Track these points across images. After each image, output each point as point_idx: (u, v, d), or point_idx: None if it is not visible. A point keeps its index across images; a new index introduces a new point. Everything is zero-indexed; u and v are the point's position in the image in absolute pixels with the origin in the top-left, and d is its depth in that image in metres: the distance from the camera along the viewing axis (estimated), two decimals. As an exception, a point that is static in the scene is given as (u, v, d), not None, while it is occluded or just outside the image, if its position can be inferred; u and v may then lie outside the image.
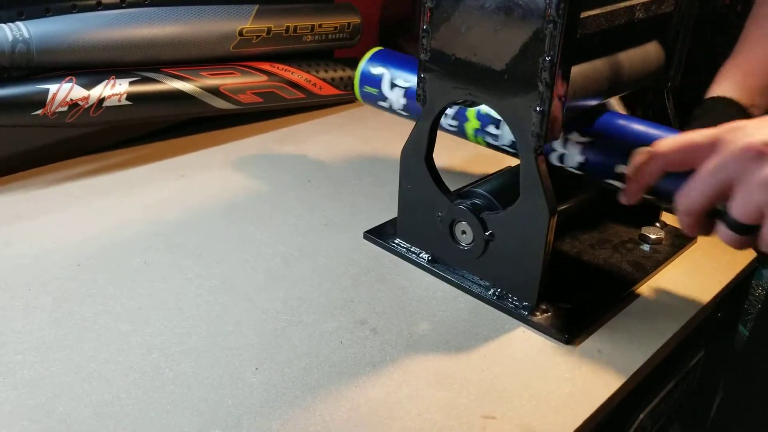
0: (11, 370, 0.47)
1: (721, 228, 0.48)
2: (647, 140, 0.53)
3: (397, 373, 0.49)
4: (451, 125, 0.66)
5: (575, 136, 0.56)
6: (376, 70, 0.71)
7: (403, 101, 0.69)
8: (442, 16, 0.52)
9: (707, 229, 0.49)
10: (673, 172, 0.50)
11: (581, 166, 0.57)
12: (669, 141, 0.50)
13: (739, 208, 0.45)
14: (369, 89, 0.71)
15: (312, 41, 0.94)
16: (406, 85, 0.69)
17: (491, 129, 0.62)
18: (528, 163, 0.51)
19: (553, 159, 0.58)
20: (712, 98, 0.62)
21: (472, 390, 0.48)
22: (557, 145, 0.57)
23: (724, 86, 0.63)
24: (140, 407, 0.45)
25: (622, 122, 0.56)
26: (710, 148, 0.47)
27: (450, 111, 0.65)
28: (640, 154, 0.51)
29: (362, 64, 0.72)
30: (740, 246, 0.48)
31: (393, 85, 0.69)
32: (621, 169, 0.54)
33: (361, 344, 0.51)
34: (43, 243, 0.63)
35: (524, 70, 0.48)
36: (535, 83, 0.48)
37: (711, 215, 0.48)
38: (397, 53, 0.72)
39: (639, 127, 0.55)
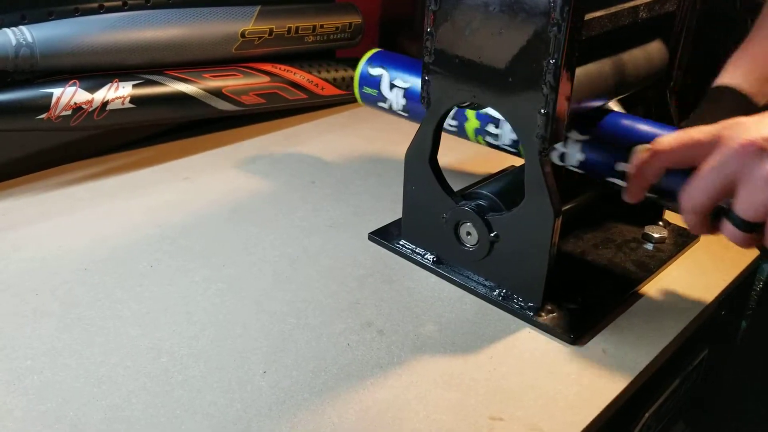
0: (21, 375, 0.48)
1: (727, 226, 0.48)
2: (647, 138, 0.53)
3: (405, 374, 0.49)
4: (451, 125, 0.66)
5: (574, 134, 0.57)
6: (375, 71, 0.71)
7: (402, 101, 0.69)
8: (446, 18, 0.52)
9: (712, 228, 0.49)
10: (674, 169, 0.50)
11: (581, 165, 0.57)
12: (669, 138, 0.50)
13: (743, 205, 0.45)
14: (368, 90, 0.72)
15: (314, 42, 0.94)
16: (405, 85, 0.69)
17: (491, 128, 0.63)
18: (533, 165, 0.51)
19: (554, 157, 0.59)
20: (718, 87, 0.62)
21: (479, 391, 0.48)
22: (558, 144, 0.58)
23: (731, 74, 0.62)
24: (150, 412, 0.45)
25: (621, 120, 0.56)
26: (711, 145, 0.47)
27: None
28: (640, 152, 0.51)
29: (361, 65, 0.73)
30: (746, 244, 0.48)
31: (392, 86, 0.70)
32: (622, 167, 0.54)
33: (368, 346, 0.52)
34: (50, 247, 0.63)
35: (528, 73, 0.49)
36: (539, 86, 0.48)
37: (716, 213, 0.48)
38: (395, 54, 0.72)
39: (638, 124, 0.55)
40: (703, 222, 0.49)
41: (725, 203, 0.47)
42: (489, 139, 0.64)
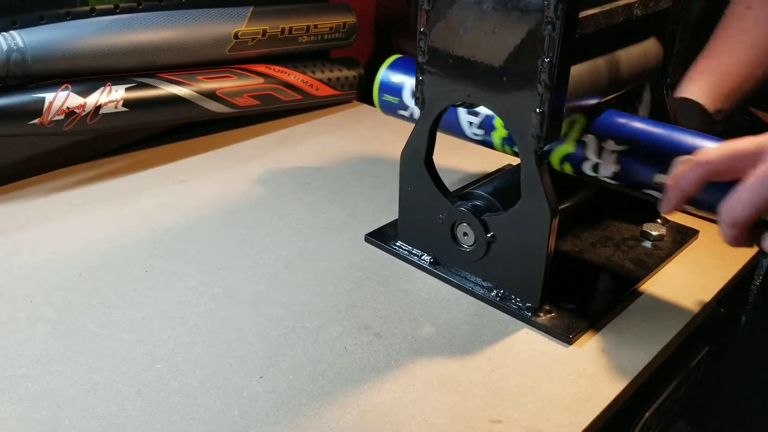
0: (15, 383, 0.47)
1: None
2: (687, 149, 0.51)
3: (402, 377, 0.49)
4: (476, 134, 0.64)
5: (610, 145, 0.55)
6: (397, 78, 0.69)
7: None
8: (439, 17, 0.52)
9: (753, 241, 0.47)
10: (716, 181, 0.48)
11: (616, 176, 0.55)
12: (713, 149, 0.48)
13: None
14: (389, 98, 0.70)
15: (308, 42, 0.94)
16: None
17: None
18: (528, 164, 0.51)
19: (587, 169, 0.57)
20: (681, 98, 0.62)
21: (477, 393, 0.48)
22: (591, 154, 0.56)
23: (694, 88, 0.62)
24: (146, 419, 0.45)
25: (656, 129, 0.54)
26: (756, 156, 0.45)
27: (476, 120, 0.63)
28: (682, 163, 0.50)
29: (381, 72, 0.70)
30: None
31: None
32: (659, 178, 0.52)
33: (365, 349, 0.51)
34: (44, 253, 0.63)
35: (523, 71, 0.48)
36: (534, 84, 0.48)
37: (757, 227, 0.46)
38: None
39: (677, 134, 0.53)
40: (742, 235, 0.47)
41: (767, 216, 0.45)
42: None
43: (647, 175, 0.53)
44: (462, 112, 0.64)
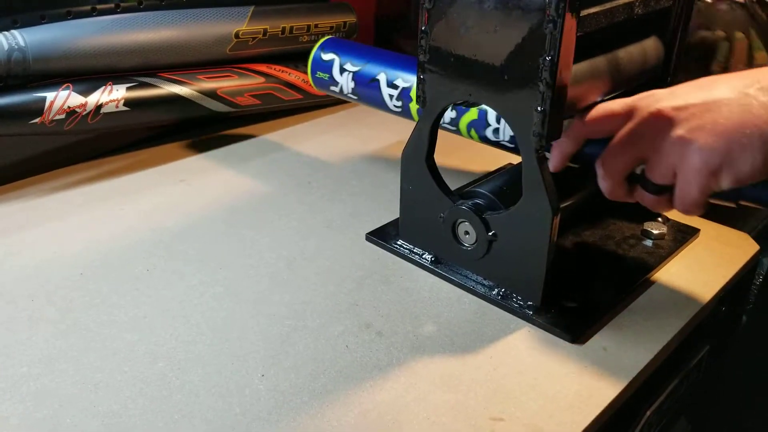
0: (17, 382, 0.47)
1: (640, 191, 0.51)
2: None
3: (404, 376, 0.49)
4: (396, 106, 0.69)
5: None
6: (327, 56, 0.74)
7: (351, 85, 0.71)
8: (441, 16, 0.52)
9: (628, 193, 0.52)
10: (593, 139, 0.52)
11: (513, 140, 0.59)
12: (591, 111, 0.52)
13: (653, 170, 0.48)
14: (321, 75, 0.75)
15: (308, 41, 0.93)
16: (355, 69, 0.71)
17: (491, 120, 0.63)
18: (530, 163, 0.51)
19: (489, 134, 0.61)
20: None
21: (479, 391, 0.48)
22: (491, 120, 0.60)
23: None
24: (148, 417, 0.45)
25: None
26: (626, 115, 0.50)
27: (395, 92, 0.68)
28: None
29: (314, 51, 0.75)
30: (660, 207, 0.51)
31: (342, 70, 0.72)
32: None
33: (366, 348, 0.51)
34: (45, 253, 0.63)
35: (524, 70, 0.48)
36: (535, 83, 0.48)
37: (630, 180, 0.51)
38: (347, 41, 0.76)
39: None
40: (618, 187, 0.51)
41: (639, 170, 0.50)
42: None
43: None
44: (383, 84, 0.68)
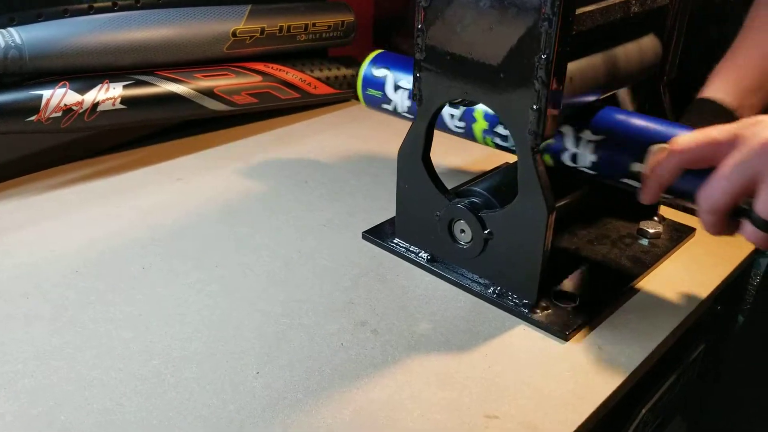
0: (12, 379, 0.47)
1: (747, 226, 0.47)
2: (662, 137, 0.51)
3: (399, 373, 0.49)
4: (458, 126, 0.65)
5: (587, 135, 0.55)
6: (379, 72, 0.70)
7: (407, 103, 0.68)
8: (437, 15, 0.52)
9: (732, 229, 0.48)
10: (692, 169, 0.48)
11: (594, 166, 0.55)
12: (687, 137, 0.48)
13: (764, 204, 0.44)
14: (372, 92, 0.71)
15: (306, 40, 0.94)
16: (411, 86, 0.68)
17: (500, 129, 0.62)
18: (526, 161, 0.51)
19: (566, 159, 0.57)
20: (701, 99, 0.62)
21: (474, 389, 0.48)
22: (569, 144, 0.56)
23: (716, 87, 0.62)
24: (142, 415, 0.45)
25: (634, 119, 0.55)
26: (730, 144, 0.46)
27: (456, 112, 0.64)
28: (656, 152, 0.50)
29: (364, 67, 0.71)
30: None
31: (397, 87, 0.69)
32: (637, 167, 0.53)
33: (362, 346, 0.51)
34: (41, 251, 0.63)
35: (520, 68, 0.48)
36: (531, 81, 0.48)
37: (735, 214, 0.47)
38: (398, 55, 0.71)
39: (653, 124, 0.54)
40: (721, 222, 0.47)
41: (745, 203, 0.46)
42: (498, 140, 0.63)
43: (625, 164, 0.54)
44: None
